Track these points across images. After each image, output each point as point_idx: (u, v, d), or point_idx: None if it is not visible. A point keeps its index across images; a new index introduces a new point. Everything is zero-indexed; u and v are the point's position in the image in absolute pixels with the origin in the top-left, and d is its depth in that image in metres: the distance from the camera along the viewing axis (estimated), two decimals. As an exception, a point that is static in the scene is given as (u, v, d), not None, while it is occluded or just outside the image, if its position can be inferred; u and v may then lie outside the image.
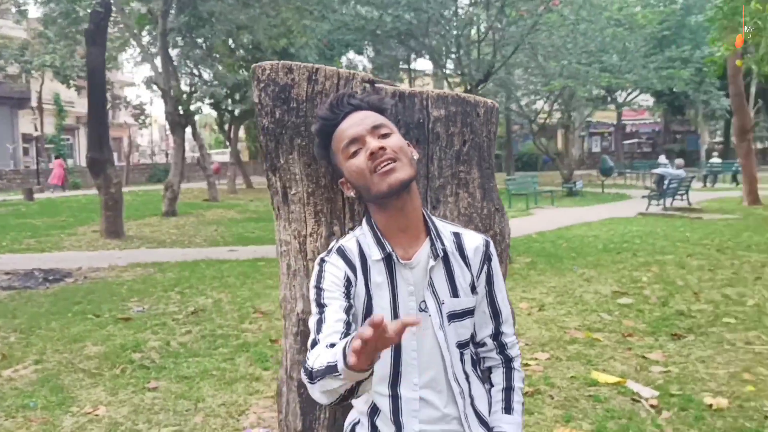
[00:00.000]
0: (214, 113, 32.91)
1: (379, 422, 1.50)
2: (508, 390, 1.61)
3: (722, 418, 3.95)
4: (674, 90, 27.90)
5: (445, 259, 1.55)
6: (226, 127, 31.91)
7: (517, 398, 1.61)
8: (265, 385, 4.81)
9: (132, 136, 44.72)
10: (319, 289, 1.50)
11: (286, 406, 1.81)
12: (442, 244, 1.55)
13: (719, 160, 29.88)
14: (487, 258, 1.59)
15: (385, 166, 1.45)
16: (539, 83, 21.95)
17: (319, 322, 1.46)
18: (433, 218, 1.58)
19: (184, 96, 19.81)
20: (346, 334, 1.42)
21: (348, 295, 1.49)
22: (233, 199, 25.51)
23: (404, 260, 1.52)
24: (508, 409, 1.59)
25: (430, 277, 1.53)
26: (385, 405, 1.50)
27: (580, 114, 29.70)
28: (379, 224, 1.54)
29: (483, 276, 1.59)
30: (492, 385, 1.63)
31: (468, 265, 1.57)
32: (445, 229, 1.58)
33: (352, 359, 1.16)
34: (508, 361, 1.64)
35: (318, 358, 1.36)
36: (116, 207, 12.89)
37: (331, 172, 1.69)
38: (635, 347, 5.35)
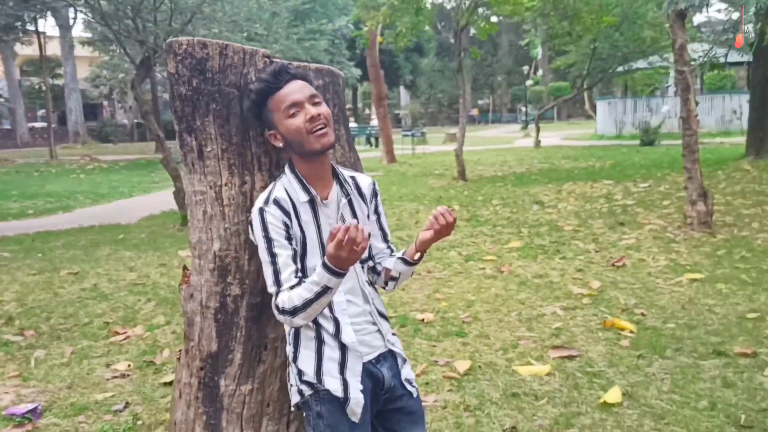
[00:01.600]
0: None
1: (320, 320, 1.94)
2: (402, 253, 2.13)
3: (433, 327, 4.98)
4: (312, 60, 30.09)
5: (349, 198, 2.03)
6: None
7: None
8: (0, 367, 4.58)
9: None
10: (268, 240, 1.88)
11: (199, 333, 2.11)
12: (350, 186, 2.02)
13: (356, 125, 33.19)
14: (374, 193, 2.12)
15: (320, 129, 1.89)
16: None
17: (276, 273, 1.87)
18: (337, 166, 2.04)
19: None
20: (298, 279, 1.85)
21: (289, 238, 1.89)
22: None
23: (323, 200, 1.97)
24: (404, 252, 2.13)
25: (341, 212, 2.00)
26: None
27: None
28: (303, 173, 1.95)
29: (373, 207, 2.11)
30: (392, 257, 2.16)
31: (364, 201, 2.07)
32: (345, 174, 2.06)
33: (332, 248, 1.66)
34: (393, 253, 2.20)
35: (291, 298, 1.81)
36: None
37: (242, 131, 2.03)
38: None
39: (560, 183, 13.33)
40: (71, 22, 39.65)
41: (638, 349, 4.36)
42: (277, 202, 1.90)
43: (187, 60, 1.96)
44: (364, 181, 2.11)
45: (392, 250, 2.20)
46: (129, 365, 4.47)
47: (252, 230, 1.95)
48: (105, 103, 50.71)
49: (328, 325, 1.94)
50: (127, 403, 3.86)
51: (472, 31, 19.48)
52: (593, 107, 37.27)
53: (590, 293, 5.65)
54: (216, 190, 2.04)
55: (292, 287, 1.84)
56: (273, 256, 1.87)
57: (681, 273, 6.16)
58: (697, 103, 7.74)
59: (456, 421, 3.44)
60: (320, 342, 1.93)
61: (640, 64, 24.44)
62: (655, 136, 23.23)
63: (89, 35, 35.76)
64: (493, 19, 28.49)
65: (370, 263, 2.17)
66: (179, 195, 10.04)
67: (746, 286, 5.67)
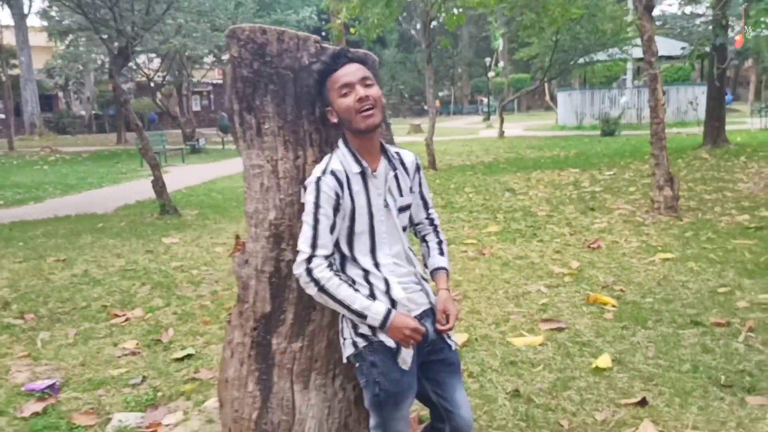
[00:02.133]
0: None
1: (372, 279, 2.16)
2: (440, 243, 2.41)
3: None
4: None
5: (395, 171, 2.25)
6: None
7: (445, 247, 2.42)
8: (7, 348, 4.68)
9: None
10: (316, 205, 2.09)
11: (254, 296, 2.31)
12: (396, 160, 2.24)
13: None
14: (417, 168, 2.34)
15: (368, 110, 2.09)
16: (157, 41, 21.78)
17: (314, 237, 2.09)
18: (384, 143, 2.25)
19: None
20: (333, 251, 2.12)
21: (337, 209, 2.10)
22: None
23: (373, 172, 2.18)
24: (441, 252, 2.40)
25: (389, 185, 2.21)
26: (373, 269, 2.16)
27: (189, 73, 30.06)
28: (355, 147, 2.16)
29: (416, 180, 2.33)
30: (428, 242, 2.41)
31: (408, 174, 2.29)
32: (392, 150, 2.27)
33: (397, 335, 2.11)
34: (436, 228, 2.45)
35: (332, 281, 2.08)
36: None
37: (296, 110, 2.23)
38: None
39: (528, 171, 13.70)
40: (26, 10, 38.78)
41: (621, 321, 4.66)
42: (333, 173, 2.11)
43: (248, 45, 2.15)
44: (408, 157, 2.33)
45: (432, 220, 2.42)
46: (137, 344, 4.61)
47: (305, 194, 2.15)
48: (60, 94, 49.68)
49: (379, 283, 2.16)
50: (143, 377, 4.02)
51: (434, 23, 19.73)
52: (553, 99, 37.94)
53: (570, 272, 5.95)
54: (273, 163, 2.23)
55: (326, 257, 2.09)
56: (316, 221, 2.09)
57: (653, 253, 6.51)
58: (664, 93, 8.12)
59: (462, 386, 3.69)
60: (373, 299, 2.15)
61: (600, 56, 25.04)
62: (615, 126, 23.87)
63: (45, 23, 35.05)
64: (457, 11, 28.83)
65: (412, 230, 2.40)
66: (157, 184, 10.10)
67: (714, 264, 6.04)
